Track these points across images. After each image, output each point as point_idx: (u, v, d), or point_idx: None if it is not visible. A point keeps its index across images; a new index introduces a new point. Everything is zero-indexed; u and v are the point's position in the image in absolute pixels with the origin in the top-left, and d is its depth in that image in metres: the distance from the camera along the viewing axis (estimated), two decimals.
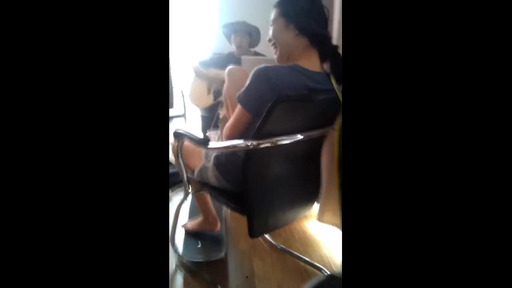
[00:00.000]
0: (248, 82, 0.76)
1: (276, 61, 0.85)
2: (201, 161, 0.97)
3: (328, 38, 0.80)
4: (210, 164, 0.93)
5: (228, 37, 1.76)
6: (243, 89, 0.78)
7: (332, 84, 0.78)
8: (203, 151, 0.98)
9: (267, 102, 0.68)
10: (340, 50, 0.82)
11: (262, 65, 0.74)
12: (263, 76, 0.73)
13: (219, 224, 1.24)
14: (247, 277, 1.02)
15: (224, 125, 0.90)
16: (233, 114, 0.84)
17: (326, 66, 0.78)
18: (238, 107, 0.80)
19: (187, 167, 1.01)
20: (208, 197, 1.18)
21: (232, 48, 1.76)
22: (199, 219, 1.25)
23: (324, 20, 0.79)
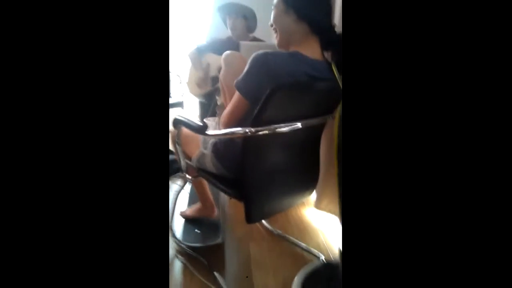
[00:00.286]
0: (246, 68, 0.75)
1: (276, 47, 0.84)
2: (199, 148, 0.97)
3: (329, 25, 0.78)
4: (208, 151, 0.93)
5: (224, 21, 1.71)
6: (241, 75, 0.77)
7: (333, 73, 0.77)
8: (200, 138, 0.97)
9: (266, 89, 0.67)
10: (340, 37, 0.80)
11: (261, 51, 0.72)
12: (262, 62, 0.72)
13: (216, 210, 1.25)
14: (247, 277, 1.04)
15: (222, 112, 0.89)
16: (231, 101, 0.83)
17: (328, 55, 0.77)
18: (236, 93, 0.79)
19: (185, 154, 1.01)
20: (206, 184, 1.18)
21: (228, 31, 1.72)
22: (197, 206, 1.26)
23: (326, 7, 0.77)
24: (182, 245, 1.13)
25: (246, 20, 1.65)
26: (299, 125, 0.78)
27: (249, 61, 0.74)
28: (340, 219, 0.69)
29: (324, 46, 0.79)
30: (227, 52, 0.91)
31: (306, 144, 0.95)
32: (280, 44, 0.82)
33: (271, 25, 0.82)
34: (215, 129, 1.00)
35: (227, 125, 0.85)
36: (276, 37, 0.82)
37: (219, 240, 1.14)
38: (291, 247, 1.17)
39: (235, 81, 0.78)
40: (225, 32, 1.77)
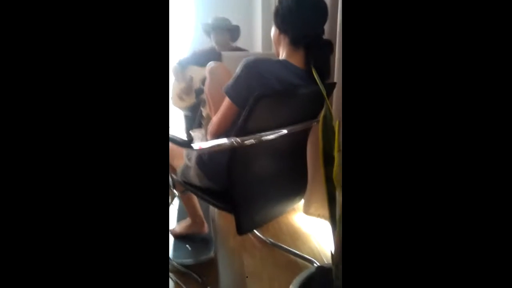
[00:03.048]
0: (237, 73, 0.76)
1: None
2: (183, 161, 0.95)
3: (313, 34, 0.80)
4: (192, 163, 0.92)
5: (208, 35, 1.74)
6: (231, 81, 0.77)
7: (315, 79, 0.78)
8: (184, 150, 0.96)
9: (254, 94, 0.68)
10: (330, 46, 0.82)
11: (251, 57, 0.74)
12: (252, 68, 0.73)
13: (206, 225, 1.23)
14: (247, 277, 1.02)
15: (207, 123, 0.88)
16: (220, 109, 0.83)
17: (312, 62, 0.79)
18: (225, 100, 0.80)
19: (172, 168, 0.99)
20: (195, 199, 1.16)
21: (212, 43, 1.74)
22: (186, 222, 1.23)
23: (308, 18, 0.79)
24: (173, 262, 1.09)
25: (230, 32, 1.68)
26: (284, 131, 0.79)
27: (239, 66, 0.75)
28: (330, 223, 0.69)
29: (309, 55, 0.81)
30: (211, 63, 0.91)
31: (293, 150, 0.96)
32: (275, 54, 0.89)
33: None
34: (201, 140, 0.99)
35: (216, 133, 0.84)
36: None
37: (211, 255, 1.12)
38: (284, 255, 1.16)
39: (224, 87, 0.79)
40: (207, 43, 1.79)
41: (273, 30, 0.86)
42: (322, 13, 0.80)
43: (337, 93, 1.07)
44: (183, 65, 1.77)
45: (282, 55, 0.84)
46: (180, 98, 1.76)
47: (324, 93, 0.66)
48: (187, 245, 1.18)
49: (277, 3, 0.83)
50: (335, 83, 0.94)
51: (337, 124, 0.61)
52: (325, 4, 0.80)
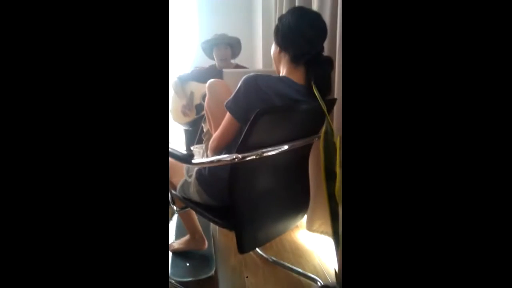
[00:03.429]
0: (238, 89, 0.77)
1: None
2: (183, 176, 0.95)
3: (313, 52, 0.81)
4: (192, 178, 0.91)
5: (208, 53, 1.76)
6: (232, 96, 0.78)
7: (315, 95, 0.79)
8: (184, 165, 0.95)
9: (255, 110, 0.68)
10: (331, 63, 0.83)
11: (252, 73, 0.75)
12: (253, 83, 0.74)
13: (206, 243, 1.20)
14: (247, 277, 0.98)
15: (208, 139, 0.88)
16: (221, 124, 0.83)
17: (312, 78, 0.80)
18: (227, 116, 0.80)
19: (171, 184, 0.98)
20: (194, 215, 1.14)
21: (213, 61, 1.76)
22: (185, 239, 1.21)
23: (311, 36, 0.80)
24: (172, 280, 1.06)
25: (232, 48, 1.71)
26: (286, 147, 0.78)
27: (240, 82, 0.76)
28: (333, 240, 0.67)
29: (309, 71, 0.82)
30: (211, 80, 0.92)
31: (295, 166, 0.95)
32: (276, 71, 0.89)
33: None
34: (202, 156, 0.99)
35: (216, 149, 0.84)
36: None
37: (211, 273, 1.09)
38: (287, 273, 1.12)
39: (225, 102, 0.79)
40: (208, 61, 1.81)
41: (273, 48, 0.87)
42: (321, 31, 0.81)
43: (337, 109, 1.07)
44: (183, 81, 1.79)
45: (283, 72, 0.85)
46: (182, 112, 1.77)
47: (325, 109, 0.66)
48: (186, 263, 1.15)
49: (277, 21, 0.85)
50: (335, 99, 0.94)
51: (338, 139, 0.61)
52: (324, 22, 0.82)
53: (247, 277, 1.01)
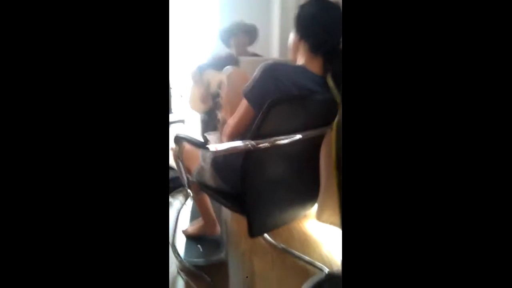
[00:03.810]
0: (255, 77, 0.78)
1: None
2: (199, 163, 0.98)
3: (331, 43, 0.81)
4: (207, 165, 0.94)
5: (226, 41, 1.77)
6: (249, 84, 0.79)
7: (330, 86, 0.79)
8: (200, 152, 0.99)
9: (271, 98, 0.70)
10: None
11: (270, 61, 0.76)
12: (271, 72, 0.75)
13: (218, 227, 1.24)
14: (247, 277, 1.03)
15: (223, 126, 0.90)
16: (236, 111, 0.84)
17: (329, 69, 0.80)
18: (243, 103, 0.81)
19: (187, 169, 1.01)
20: (208, 201, 1.18)
21: (230, 48, 1.77)
22: (199, 224, 1.25)
23: (328, 26, 0.80)
24: (185, 262, 1.12)
25: (248, 33, 1.72)
26: (299, 136, 0.80)
27: (257, 70, 0.77)
28: (341, 230, 0.69)
29: (326, 62, 0.82)
30: (229, 67, 0.93)
31: (307, 156, 0.96)
32: (292, 60, 0.89)
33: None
34: (216, 143, 1.01)
35: (231, 136, 0.86)
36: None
37: (222, 256, 1.13)
38: (294, 260, 1.15)
39: (243, 90, 0.80)
40: (225, 49, 1.83)
41: (292, 36, 0.86)
42: (341, 22, 0.81)
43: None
44: (201, 70, 1.81)
45: (300, 61, 0.85)
46: (201, 101, 1.80)
47: (339, 100, 0.67)
48: (198, 246, 1.20)
49: (298, 9, 0.84)
50: None
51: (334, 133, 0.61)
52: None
53: (247, 277, 1.04)
